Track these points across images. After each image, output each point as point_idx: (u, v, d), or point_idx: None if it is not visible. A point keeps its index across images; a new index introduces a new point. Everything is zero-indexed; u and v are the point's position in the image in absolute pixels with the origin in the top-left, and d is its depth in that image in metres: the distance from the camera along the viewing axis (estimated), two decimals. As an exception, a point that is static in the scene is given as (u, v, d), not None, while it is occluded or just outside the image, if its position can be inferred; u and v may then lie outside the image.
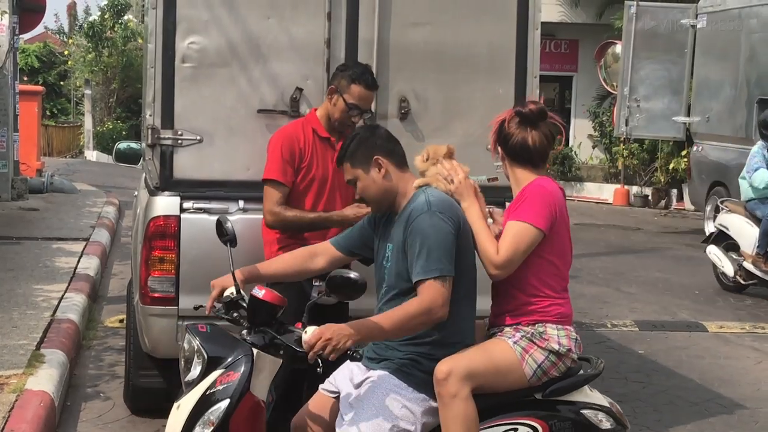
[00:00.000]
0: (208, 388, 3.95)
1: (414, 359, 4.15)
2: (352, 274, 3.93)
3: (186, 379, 4.08)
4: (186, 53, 5.61)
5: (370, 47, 5.77)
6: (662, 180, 20.67)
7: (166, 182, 5.65)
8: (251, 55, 5.68)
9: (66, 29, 41.27)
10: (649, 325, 9.79)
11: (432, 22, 5.88)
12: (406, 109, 5.86)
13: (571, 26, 24.65)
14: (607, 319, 9.95)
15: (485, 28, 5.94)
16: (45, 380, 6.51)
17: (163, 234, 5.57)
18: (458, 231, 4.13)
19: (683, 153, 19.06)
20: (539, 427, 4.25)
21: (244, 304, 4.18)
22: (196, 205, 5.60)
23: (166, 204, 5.62)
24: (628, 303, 10.87)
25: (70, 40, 37.07)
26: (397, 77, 5.84)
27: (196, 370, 4.03)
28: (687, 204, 19.14)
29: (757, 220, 10.93)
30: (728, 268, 11.23)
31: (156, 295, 5.61)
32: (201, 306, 4.45)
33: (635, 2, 17.12)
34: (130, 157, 7.64)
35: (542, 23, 6.14)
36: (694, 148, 16.44)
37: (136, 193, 7.24)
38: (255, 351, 3.99)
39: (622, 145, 21.03)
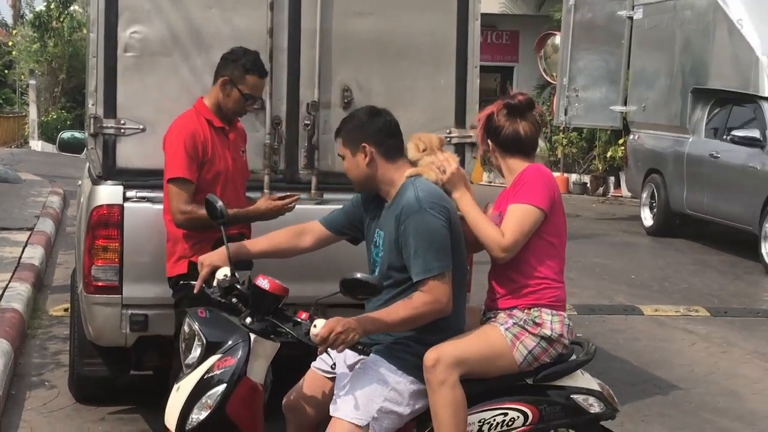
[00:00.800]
0: (207, 372, 3.96)
1: (403, 343, 4.15)
2: (366, 276, 3.95)
3: (186, 362, 4.09)
4: (128, 42, 5.57)
5: (312, 36, 5.75)
6: (600, 168, 20.82)
7: (109, 171, 5.60)
8: (194, 45, 5.64)
9: (9, 21, 40.81)
10: (587, 309, 9.86)
11: (375, 12, 5.87)
12: (349, 98, 5.84)
13: (511, 18, 24.77)
14: (547, 304, 10.00)
15: (427, 19, 5.95)
16: (-12, 369, 6.43)
17: (107, 223, 5.51)
18: (450, 223, 4.12)
19: (620, 141, 19.21)
20: (529, 412, 4.23)
21: (240, 288, 4.19)
22: (139, 194, 5.54)
23: (109, 193, 5.56)
24: (568, 287, 10.77)
25: (14, 31, 36.66)
26: (340, 67, 5.82)
27: (195, 353, 4.05)
28: (624, 191, 19.34)
29: None
30: None
31: (100, 284, 5.55)
32: (187, 282, 4.52)
33: (574, -6, 17.24)
34: (74, 147, 7.56)
35: (483, 15, 6.17)
36: (631, 136, 16.57)
37: (80, 182, 7.18)
38: (252, 336, 3.99)
39: (561, 134, 21.15)
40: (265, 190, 5.67)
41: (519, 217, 4.22)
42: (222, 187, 5.12)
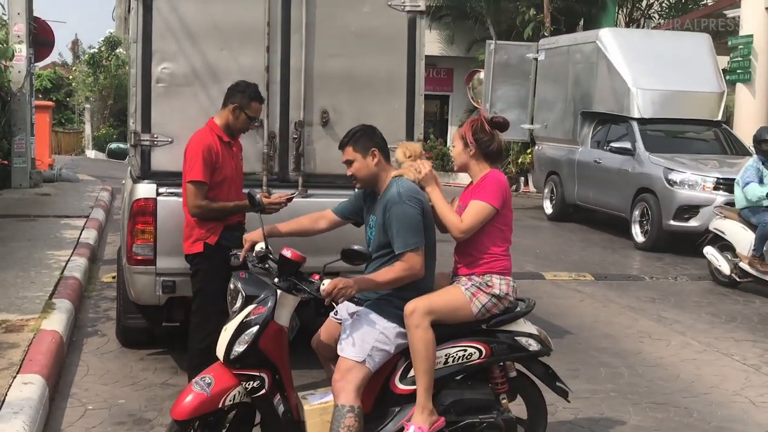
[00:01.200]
0: (245, 317, 4.07)
1: (387, 299, 4.21)
2: (361, 248, 4.00)
3: (232, 310, 4.19)
4: (159, 76, 5.58)
5: (298, 73, 5.78)
6: (513, 170, 20.87)
7: (146, 173, 5.61)
8: (209, 78, 5.64)
9: (69, 60, 40.58)
10: (504, 276, 9.88)
11: (344, 54, 5.88)
12: (326, 118, 5.85)
13: (447, 58, 24.76)
14: (474, 272, 10.02)
15: (384, 59, 5.96)
16: (56, 322, 6.42)
17: (144, 212, 5.51)
18: (423, 211, 4.18)
19: (528, 151, 19.27)
20: (483, 349, 4.29)
21: (271, 257, 4.31)
22: (169, 191, 5.54)
23: (146, 189, 5.56)
24: (489, 260, 10.94)
25: (74, 68, 36.33)
26: (319, 95, 5.83)
27: (237, 304, 4.15)
28: (531, 188, 19.39)
29: (751, 226, 9.55)
30: (725, 267, 9.77)
31: (139, 258, 5.56)
32: (234, 253, 4.54)
33: (494, 41, 17.27)
34: (119, 155, 7.49)
35: (426, 56, 6.15)
36: (536, 147, 16.65)
37: (123, 181, 7.12)
38: (279, 291, 4.09)
39: (484, 145, 21.15)
40: (264, 188, 5.66)
41: (476, 210, 4.28)
42: (228, 187, 5.12)
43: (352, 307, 4.31)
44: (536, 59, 16.57)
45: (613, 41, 14.12)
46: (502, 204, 4.32)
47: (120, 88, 31.47)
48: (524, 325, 4.45)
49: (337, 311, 4.42)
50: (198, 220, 5.03)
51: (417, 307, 4.12)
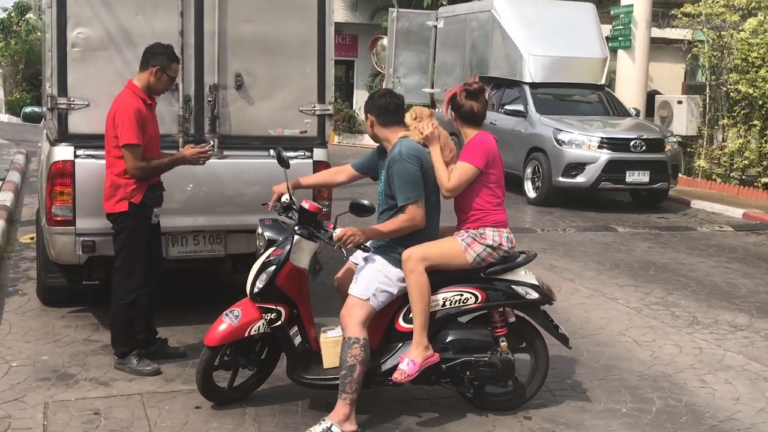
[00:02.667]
0: (267, 257, 4.42)
1: (392, 246, 4.41)
2: (366, 202, 4.24)
3: (258, 252, 4.53)
4: (75, 41, 5.33)
5: (212, 37, 5.60)
6: (415, 132, 20.93)
7: (63, 136, 5.37)
8: (124, 42, 5.42)
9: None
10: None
11: (257, 19, 5.73)
12: (240, 81, 5.71)
13: (352, 25, 24.52)
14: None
15: (296, 24, 5.84)
16: (-25, 283, 6.12)
17: (62, 174, 5.33)
18: (422, 167, 4.36)
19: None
20: (479, 294, 4.45)
21: (295, 207, 4.58)
22: (86, 153, 5.36)
23: (63, 152, 5.36)
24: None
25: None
26: (233, 59, 5.67)
27: (261, 246, 4.50)
28: (432, 148, 19.50)
29: None
30: None
31: (58, 218, 5.37)
32: (266, 203, 4.74)
33: (396, 9, 17.18)
34: (34, 118, 7.12)
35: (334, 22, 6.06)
36: (436, 110, 16.65)
37: (40, 144, 6.84)
38: (296, 237, 4.40)
39: (388, 108, 21.13)
40: (181, 149, 5.50)
41: (460, 171, 4.41)
42: (153, 146, 5.06)
43: (363, 255, 4.50)
44: (436, 27, 16.59)
45: (506, 10, 14.22)
46: (485, 163, 4.43)
47: (31, 53, 30.18)
48: (523, 275, 4.56)
49: (355, 254, 4.63)
50: (123, 180, 4.94)
51: (412, 254, 4.31)
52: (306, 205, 4.44)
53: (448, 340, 4.48)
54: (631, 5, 15.37)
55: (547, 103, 13.26)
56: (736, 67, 13.70)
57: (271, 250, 4.44)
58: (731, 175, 13.96)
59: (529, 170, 12.66)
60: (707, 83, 14.88)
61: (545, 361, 4.69)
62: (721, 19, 14.17)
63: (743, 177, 13.86)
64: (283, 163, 4.70)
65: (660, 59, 21.53)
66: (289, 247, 4.39)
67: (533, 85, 13.37)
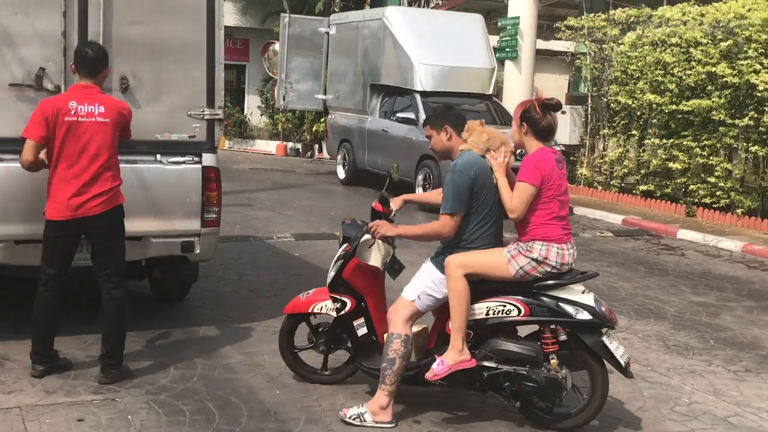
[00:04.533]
0: (342, 252, 4.86)
1: (443, 254, 4.56)
2: (386, 194, 4.80)
3: (340, 247, 4.93)
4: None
5: (97, 38, 5.40)
6: (308, 138, 20.89)
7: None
8: (3, 42, 5.17)
9: None
10: (302, 237, 9.89)
11: (144, 22, 5.59)
12: (126, 84, 5.56)
13: (243, 29, 24.29)
14: (273, 233, 9.97)
15: (184, 27, 5.73)
16: None
17: None
18: (473, 182, 4.43)
19: (322, 120, 19.27)
20: (522, 308, 4.44)
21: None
22: None
23: None
24: (288, 222, 10.92)
25: None
26: (118, 61, 5.49)
27: (340, 243, 4.93)
28: (325, 154, 19.48)
29: None
30: None
31: None
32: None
33: (287, 15, 17.10)
34: None
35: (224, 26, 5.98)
36: (329, 116, 16.69)
37: None
38: (365, 236, 4.72)
39: (281, 113, 21.04)
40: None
41: (518, 191, 4.42)
42: None
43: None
44: (328, 33, 16.60)
45: (398, 19, 14.39)
46: (541, 180, 4.38)
47: None
48: (579, 295, 4.43)
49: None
50: None
51: (452, 260, 4.44)
52: (376, 206, 4.83)
53: (493, 349, 4.48)
54: (518, 17, 15.78)
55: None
56: (616, 79, 14.26)
57: (344, 246, 4.86)
58: (611, 183, 14.51)
59: (420, 177, 12.82)
60: (589, 94, 15.43)
61: (602, 386, 4.48)
62: (602, 33, 14.72)
63: (623, 185, 14.43)
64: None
65: (544, 70, 22.24)
66: (355, 244, 4.74)
67: (424, 94, 13.56)
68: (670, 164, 13.06)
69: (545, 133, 4.50)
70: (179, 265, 6.14)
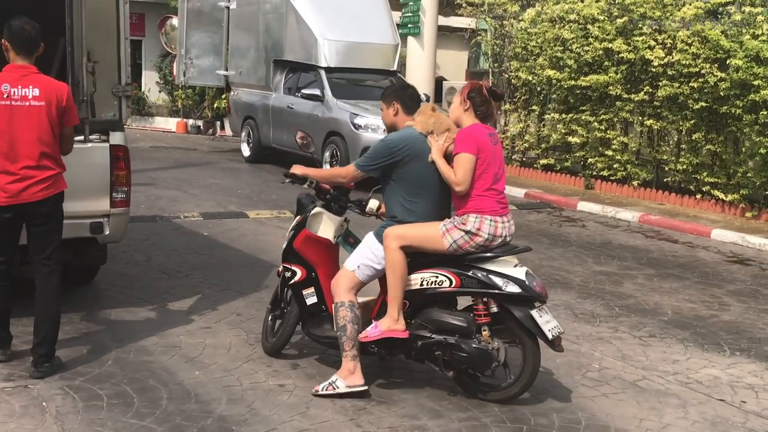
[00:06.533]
0: (294, 223, 5.12)
1: (384, 227, 4.66)
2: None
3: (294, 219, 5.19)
4: None
5: None
6: (209, 115, 20.51)
7: None
8: None
9: None
10: (210, 216, 9.74)
11: None
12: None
13: (139, 3, 23.31)
14: (180, 213, 9.78)
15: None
16: None
17: None
18: (394, 153, 4.61)
19: (223, 96, 19.00)
20: (453, 279, 4.55)
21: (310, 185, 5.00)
22: None
23: None
24: (194, 201, 10.72)
25: None
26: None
27: (295, 215, 5.18)
28: (227, 131, 19.19)
29: None
30: None
31: None
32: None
33: (186, -12, 16.72)
34: None
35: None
36: (232, 92, 16.42)
37: None
38: (314, 208, 4.97)
39: (181, 90, 20.57)
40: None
41: (461, 162, 4.51)
42: None
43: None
44: (228, 8, 16.30)
45: (300, -6, 14.24)
46: (477, 150, 4.51)
47: None
48: (511, 269, 4.51)
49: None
50: None
51: (390, 232, 4.56)
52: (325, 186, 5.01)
53: (426, 319, 4.63)
54: (420, -7, 15.86)
55: (342, 88, 13.45)
56: (516, 55, 14.53)
57: (298, 218, 5.07)
58: (513, 157, 14.82)
59: (327, 154, 12.80)
60: (490, 70, 15.68)
61: (533, 359, 4.55)
62: (503, 9, 14.96)
63: (524, 159, 14.77)
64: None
65: (445, 47, 22.41)
66: (305, 217, 4.99)
67: (329, 70, 13.50)
68: (570, 138, 13.44)
69: (483, 116, 4.68)
70: (88, 247, 5.96)
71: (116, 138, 5.69)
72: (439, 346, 4.59)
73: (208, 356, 5.21)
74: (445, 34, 21.35)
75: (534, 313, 4.48)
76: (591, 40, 12.85)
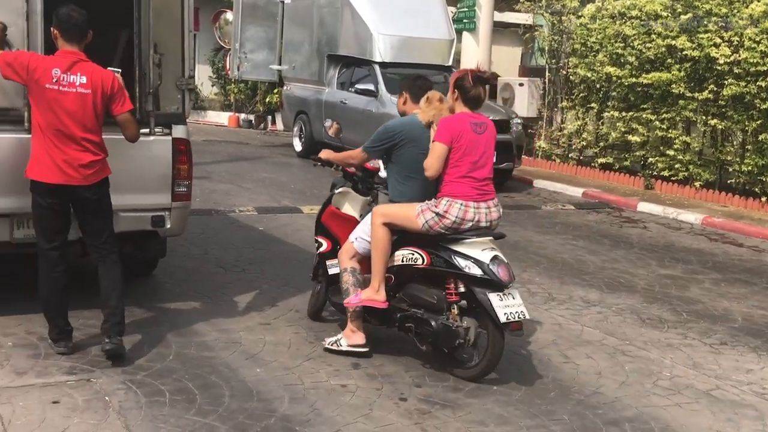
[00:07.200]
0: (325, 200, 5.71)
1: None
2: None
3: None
4: None
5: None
6: (261, 109, 20.56)
7: None
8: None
9: None
10: (265, 210, 9.73)
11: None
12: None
13: (193, -2, 23.72)
14: (235, 207, 9.78)
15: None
16: None
17: None
18: (393, 136, 5.00)
19: (275, 91, 19.00)
20: (425, 257, 4.86)
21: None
22: None
23: None
24: (247, 195, 10.72)
25: None
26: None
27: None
28: (279, 126, 19.22)
29: None
30: None
31: None
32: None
33: (243, -17, 16.75)
34: None
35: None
36: (285, 87, 16.40)
37: None
38: (342, 187, 5.49)
39: (233, 84, 20.66)
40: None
41: (432, 151, 4.83)
42: None
43: None
44: (283, 2, 16.27)
45: (356, -13, 14.15)
46: (450, 140, 4.76)
47: None
48: (479, 252, 4.74)
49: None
50: None
51: (376, 210, 5.00)
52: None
53: (405, 293, 5.02)
54: (476, -13, 15.69)
55: (396, 83, 13.25)
56: (575, 51, 14.28)
57: (329, 194, 5.59)
58: (569, 155, 14.58)
59: (380, 149, 12.69)
60: (547, 66, 15.44)
61: (493, 343, 4.72)
62: (561, 5, 14.71)
63: (581, 158, 14.51)
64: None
65: (498, 42, 22.13)
66: (332, 193, 5.54)
67: (383, 65, 13.41)
68: (629, 137, 13.16)
69: (472, 102, 4.90)
70: (148, 240, 5.95)
71: (179, 131, 5.68)
72: (412, 319, 4.94)
73: (269, 353, 5.15)
74: (498, 29, 21.09)
75: (492, 295, 4.68)
76: (653, 36, 12.56)
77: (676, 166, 12.51)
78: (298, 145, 15.30)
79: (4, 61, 4.67)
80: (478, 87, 4.84)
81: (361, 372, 4.95)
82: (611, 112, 13.53)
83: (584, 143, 14.36)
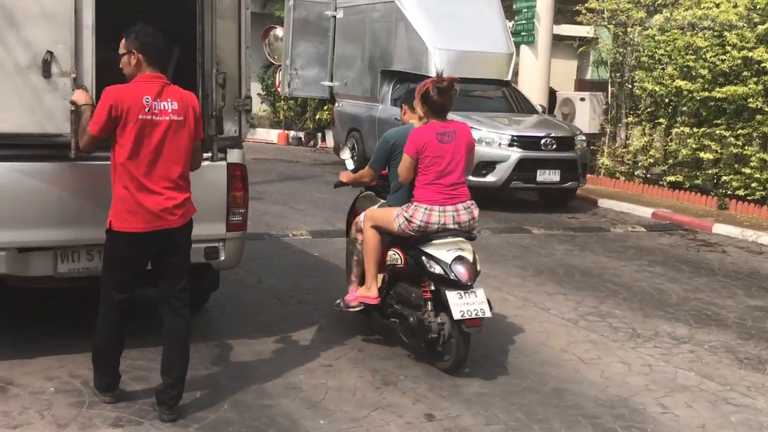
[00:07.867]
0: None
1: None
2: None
3: None
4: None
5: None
6: (311, 126, 20.25)
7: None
8: (4, 22, 4.50)
9: None
10: (319, 234, 9.31)
11: None
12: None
13: (242, 14, 23.59)
14: (288, 230, 9.38)
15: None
16: None
17: None
18: (390, 147, 5.40)
19: (325, 107, 18.70)
20: (402, 258, 5.28)
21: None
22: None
23: None
24: (301, 217, 10.32)
25: None
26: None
27: None
28: (329, 143, 18.88)
29: None
30: None
31: None
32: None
33: (292, -2, 16.49)
34: None
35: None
36: (336, 104, 16.05)
37: None
38: (364, 192, 6.03)
39: (283, 101, 20.39)
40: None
41: (401, 162, 5.24)
42: None
43: None
44: (335, 17, 15.97)
45: (410, 1, 13.74)
46: (416, 151, 5.11)
47: None
48: (443, 252, 5.06)
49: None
50: None
51: (366, 214, 5.48)
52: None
53: (393, 290, 5.45)
54: (534, 0, 15.18)
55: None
56: (641, 64, 13.67)
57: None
58: (635, 173, 13.95)
59: (437, 168, 12.23)
60: (610, 80, 14.84)
61: (457, 340, 5.00)
62: (626, 16, 14.12)
63: (647, 175, 13.87)
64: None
65: (554, 55, 21.57)
66: (356, 197, 6.12)
67: (440, 80, 12.95)
68: (701, 154, 12.51)
69: (437, 111, 5.18)
70: (201, 273, 5.52)
71: (234, 156, 5.26)
72: (396, 314, 5.35)
73: (332, 401, 4.69)
74: (554, 42, 20.55)
75: (452, 293, 4.96)
76: (728, 48, 11.91)
77: (753, 184, 11.81)
78: (350, 164, 14.84)
79: (98, 130, 4.18)
80: (441, 96, 5.11)
81: (436, 425, 4.46)
82: (681, 128, 12.88)
83: (651, 160, 13.72)
